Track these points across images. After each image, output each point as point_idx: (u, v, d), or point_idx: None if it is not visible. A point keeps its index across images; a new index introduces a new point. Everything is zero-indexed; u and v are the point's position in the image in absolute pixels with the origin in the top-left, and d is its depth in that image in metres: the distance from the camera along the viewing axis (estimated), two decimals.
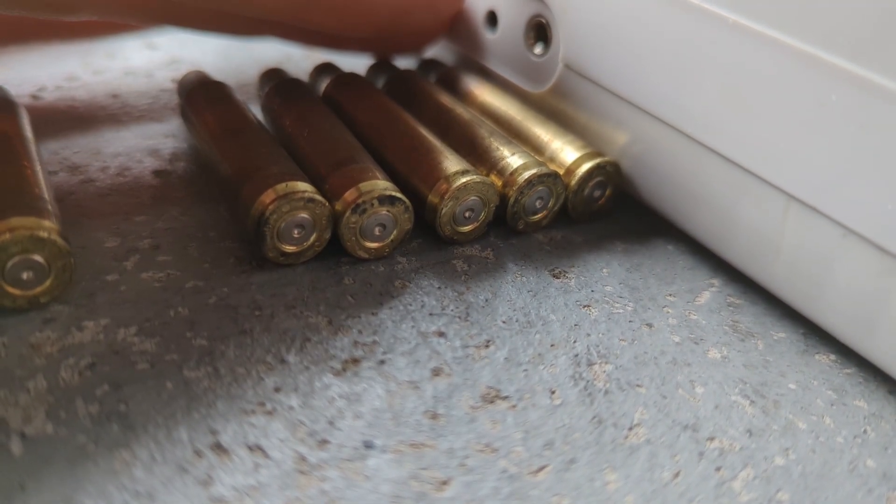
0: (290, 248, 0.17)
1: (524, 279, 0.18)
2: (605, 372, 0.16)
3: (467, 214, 0.19)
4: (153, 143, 0.23)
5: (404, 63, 0.25)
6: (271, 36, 0.23)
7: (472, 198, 0.18)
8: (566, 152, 0.20)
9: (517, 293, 0.18)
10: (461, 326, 0.17)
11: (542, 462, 0.14)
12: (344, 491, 0.13)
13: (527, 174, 0.19)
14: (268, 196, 0.17)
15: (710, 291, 0.18)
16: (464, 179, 0.18)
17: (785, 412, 0.15)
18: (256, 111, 0.22)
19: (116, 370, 0.15)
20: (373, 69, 0.25)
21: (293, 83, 0.22)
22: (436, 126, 0.21)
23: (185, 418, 0.14)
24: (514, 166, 0.19)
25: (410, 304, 0.17)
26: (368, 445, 0.14)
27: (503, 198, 0.19)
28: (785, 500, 0.13)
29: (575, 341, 0.16)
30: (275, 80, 0.23)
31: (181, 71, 0.27)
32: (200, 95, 0.22)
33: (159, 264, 0.18)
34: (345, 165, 0.18)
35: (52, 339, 0.15)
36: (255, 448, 0.13)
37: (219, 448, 0.13)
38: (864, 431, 0.15)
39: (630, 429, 0.14)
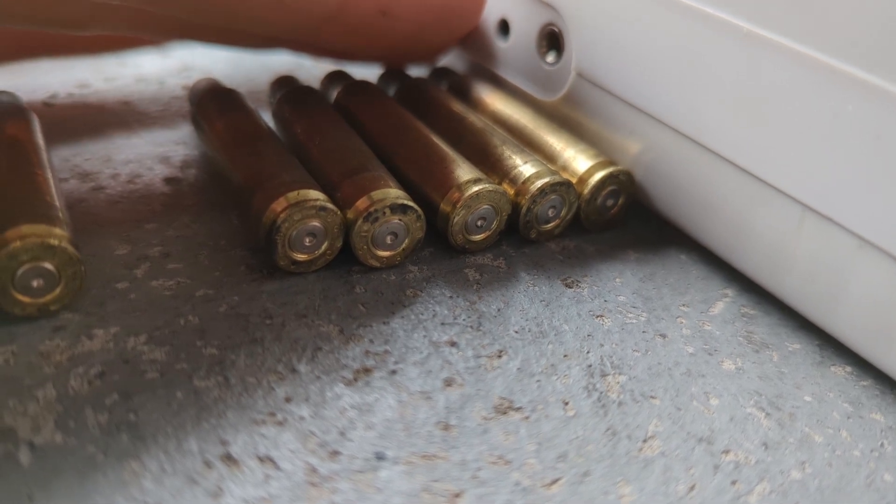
0: (301, 257, 0.17)
1: (537, 289, 0.18)
2: (618, 383, 0.16)
3: (479, 223, 0.18)
4: (164, 151, 0.22)
5: (416, 71, 0.25)
6: (283, 50, 0.23)
7: (485, 206, 0.18)
8: (579, 161, 0.20)
9: (530, 303, 0.18)
10: (473, 336, 0.16)
11: (555, 475, 0.14)
12: (355, 503, 0.13)
13: (539, 183, 0.19)
14: (279, 204, 0.17)
15: (723, 302, 0.18)
16: (476, 188, 0.18)
17: (801, 425, 0.15)
18: (268, 119, 0.22)
19: (126, 379, 0.15)
20: (384, 77, 0.25)
21: (304, 91, 0.22)
22: (448, 134, 0.21)
23: (195, 428, 0.14)
24: (527, 175, 0.19)
25: (422, 314, 0.17)
26: (380, 457, 0.14)
27: (515, 206, 0.19)
28: None
29: (588, 352, 0.16)
30: (286, 88, 0.23)
31: (192, 78, 0.27)
32: (212, 103, 0.21)
33: (170, 272, 0.17)
34: (356, 173, 0.18)
35: (62, 347, 0.15)
36: (266, 459, 0.13)
37: (229, 459, 0.13)
38: (881, 445, 0.15)
39: (644, 441, 0.14)
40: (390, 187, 0.18)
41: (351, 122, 0.21)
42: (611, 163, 0.20)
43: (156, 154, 0.22)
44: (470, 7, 0.22)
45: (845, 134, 0.15)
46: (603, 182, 0.19)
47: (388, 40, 0.21)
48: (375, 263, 0.18)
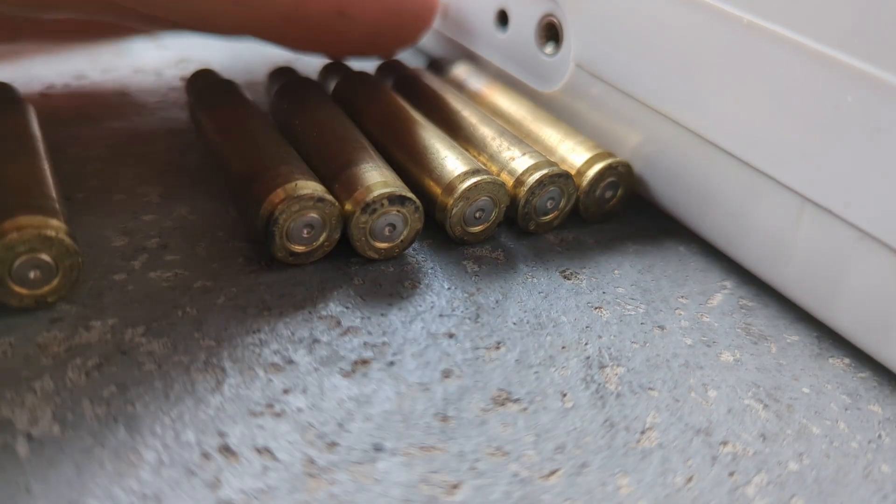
0: (299, 248, 0.17)
1: (535, 280, 0.18)
2: (616, 375, 0.16)
3: (478, 215, 0.18)
4: (161, 142, 0.22)
5: (414, 63, 0.25)
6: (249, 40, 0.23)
7: (483, 198, 0.18)
8: (577, 153, 0.20)
9: (528, 294, 0.18)
10: (471, 328, 0.16)
11: (553, 466, 0.14)
12: (353, 494, 0.13)
13: (538, 174, 0.19)
14: (277, 195, 0.17)
15: (722, 293, 0.18)
16: (475, 179, 0.18)
17: (799, 416, 0.15)
18: (265, 110, 0.22)
19: (124, 371, 0.15)
20: (382, 68, 0.25)
21: (302, 82, 0.22)
22: (446, 126, 0.21)
23: (193, 420, 0.14)
24: (525, 166, 0.19)
25: (420, 305, 0.17)
26: (378, 448, 0.14)
27: (514, 198, 0.19)
28: None
29: (586, 343, 0.16)
30: (284, 79, 0.23)
31: (190, 69, 0.27)
32: (209, 94, 0.21)
33: (167, 264, 0.17)
34: (355, 165, 0.18)
35: (60, 339, 0.15)
36: (264, 450, 0.13)
37: (227, 450, 0.13)
38: (879, 436, 0.15)
39: (642, 432, 0.14)
40: (388, 179, 0.18)
41: (349, 113, 0.21)
42: (609, 154, 0.20)
43: (153, 145, 0.22)
44: (425, 9, 0.22)
45: (845, 125, 0.15)
46: (601, 174, 0.19)
47: (346, 40, 0.21)
48: (374, 255, 0.18)
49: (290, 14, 0.19)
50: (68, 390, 0.14)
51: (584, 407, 0.15)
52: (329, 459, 0.13)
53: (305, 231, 0.17)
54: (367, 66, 0.24)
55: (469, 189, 0.18)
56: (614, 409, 0.15)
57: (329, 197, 0.17)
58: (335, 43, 0.22)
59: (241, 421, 0.14)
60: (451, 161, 0.18)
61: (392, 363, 0.15)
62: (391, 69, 0.24)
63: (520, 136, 0.20)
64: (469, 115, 0.21)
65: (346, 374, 0.15)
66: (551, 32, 0.22)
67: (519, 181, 0.19)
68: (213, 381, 0.15)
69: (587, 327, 0.17)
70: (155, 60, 0.28)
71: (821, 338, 0.17)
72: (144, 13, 0.19)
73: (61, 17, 0.19)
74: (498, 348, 0.16)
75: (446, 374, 0.15)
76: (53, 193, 0.16)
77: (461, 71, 0.24)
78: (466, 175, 0.18)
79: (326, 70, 0.24)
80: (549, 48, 0.22)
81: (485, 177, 0.18)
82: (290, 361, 0.15)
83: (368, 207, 0.17)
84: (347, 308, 0.17)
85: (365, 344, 0.16)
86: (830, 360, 0.16)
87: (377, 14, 0.21)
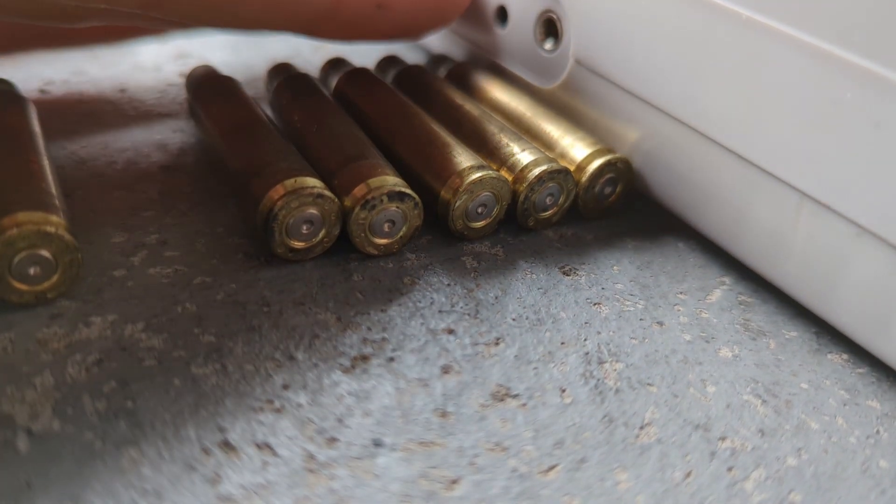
0: (298, 244, 0.17)
1: (534, 276, 0.18)
2: (615, 370, 0.16)
3: (480, 210, 0.18)
4: (161, 138, 0.22)
5: (414, 58, 0.25)
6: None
7: (486, 193, 0.18)
8: (577, 149, 0.20)
9: (527, 290, 0.18)
10: (471, 324, 0.16)
11: (552, 461, 0.14)
12: (353, 489, 0.13)
13: (537, 170, 0.19)
14: (276, 192, 0.17)
15: (721, 289, 0.18)
16: (479, 174, 0.18)
17: (797, 412, 0.15)
18: (265, 106, 0.22)
19: (124, 366, 0.15)
20: (382, 64, 0.25)
21: (302, 78, 0.22)
22: (445, 122, 0.21)
23: (193, 415, 0.14)
24: (525, 162, 0.19)
25: (420, 301, 0.17)
26: (377, 443, 0.14)
27: (513, 194, 0.19)
28: (797, 500, 0.13)
29: (585, 339, 0.16)
30: (283, 75, 0.23)
31: (189, 65, 0.27)
32: (209, 90, 0.21)
33: (167, 260, 0.17)
34: (354, 161, 0.18)
35: (59, 334, 0.15)
36: (264, 446, 0.13)
37: (227, 446, 0.13)
38: (877, 432, 0.15)
39: (641, 428, 0.14)
40: (388, 175, 0.18)
41: (350, 109, 0.21)
42: (609, 150, 0.20)
43: (152, 142, 0.22)
44: None
45: (844, 121, 0.15)
46: (601, 170, 0.19)
47: (383, 30, 0.21)
48: (373, 251, 0.18)
49: (328, 12, 0.19)
50: (68, 386, 0.14)
51: (582, 402, 0.15)
52: (329, 455, 0.13)
53: (305, 227, 0.17)
54: (368, 62, 0.24)
55: (473, 183, 0.18)
56: (613, 404, 0.15)
57: (328, 193, 0.17)
58: (370, 33, 0.21)
59: (241, 416, 0.14)
60: (455, 155, 0.18)
61: (391, 359, 0.15)
62: (392, 65, 0.24)
63: (519, 133, 0.20)
64: (469, 111, 0.21)
65: (346, 370, 0.15)
66: (550, 28, 0.22)
67: (518, 177, 0.19)
68: (213, 376, 0.15)
69: (586, 323, 0.17)
70: (154, 56, 0.28)
71: (819, 333, 0.17)
72: (177, 18, 0.19)
73: (87, 25, 0.19)
74: (497, 344, 0.16)
75: (445, 369, 0.15)
76: (53, 189, 0.16)
77: (461, 67, 0.24)
78: (472, 169, 0.18)
79: (327, 66, 0.24)
80: (548, 44, 0.22)
81: (489, 172, 0.18)
82: (290, 357, 0.15)
83: (368, 203, 0.17)
84: (347, 304, 0.17)
85: (364, 340, 0.16)
86: (829, 356, 0.16)
87: (415, 2, 0.21)
